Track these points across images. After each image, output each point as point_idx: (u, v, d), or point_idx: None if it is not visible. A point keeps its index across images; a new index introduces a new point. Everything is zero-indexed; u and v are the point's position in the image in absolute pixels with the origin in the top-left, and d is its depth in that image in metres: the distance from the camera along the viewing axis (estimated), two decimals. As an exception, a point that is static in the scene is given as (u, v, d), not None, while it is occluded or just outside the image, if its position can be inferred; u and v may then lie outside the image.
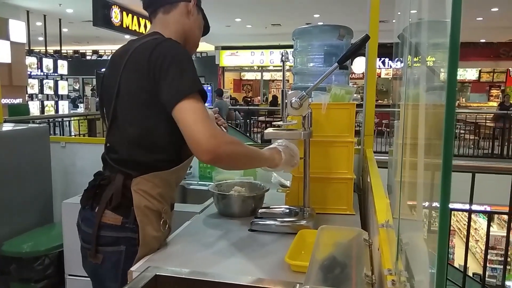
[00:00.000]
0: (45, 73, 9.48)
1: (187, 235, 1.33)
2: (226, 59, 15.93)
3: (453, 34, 0.36)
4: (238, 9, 9.99)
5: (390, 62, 14.11)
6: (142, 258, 1.14)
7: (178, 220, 1.50)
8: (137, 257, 1.15)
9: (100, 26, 7.82)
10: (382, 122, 9.86)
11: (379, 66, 13.95)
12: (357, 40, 1.31)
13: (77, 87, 18.07)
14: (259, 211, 1.46)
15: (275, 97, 14.45)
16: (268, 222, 1.37)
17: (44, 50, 10.56)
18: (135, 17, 9.46)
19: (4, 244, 2.15)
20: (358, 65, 11.82)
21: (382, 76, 14.66)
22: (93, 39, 13.75)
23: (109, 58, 1.37)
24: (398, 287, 0.60)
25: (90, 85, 16.95)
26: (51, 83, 9.56)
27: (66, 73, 10.16)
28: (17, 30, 7.40)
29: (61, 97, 10.02)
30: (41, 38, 10.49)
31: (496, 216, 7.50)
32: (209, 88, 15.50)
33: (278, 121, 1.37)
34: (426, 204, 0.56)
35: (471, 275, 6.33)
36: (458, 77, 0.38)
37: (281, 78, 1.34)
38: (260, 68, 16.68)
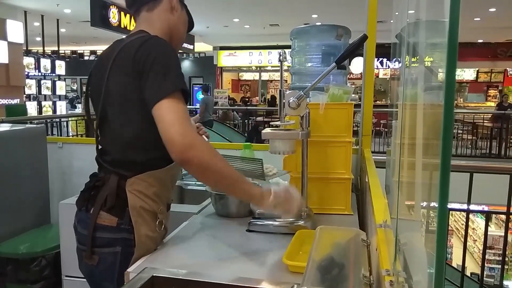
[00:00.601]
0: (43, 74, 9.46)
1: (185, 236, 1.32)
2: (224, 59, 15.93)
3: (451, 33, 0.36)
4: (236, 9, 9.98)
5: (388, 62, 14.13)
6: (139, 259, 1.13)
7: (175, 220, 1.49)
8: (133, 258, 1.14)
9: (98, 26, 7.80)
10: (380, 122, 9.87)
11: (377, 66, 13.98)
12: (355, 40, 1.30)
13: (75, 88, 18.04)
14: (257, 211, 1.45)
15: (273, 97, 14.43)
16: (266, 222, 1.37)
17: (42, 51, 10.53)
18: (133, 17, 9.43)
19: (1, 245, 2.14)
20: (356, 65, 11.84)
21: (380, 76, 14.69)
22: (91, 39, 13.71)
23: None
24: (396, 287, 0.59)
25: (88, 86, 16.88)
26: (48, 83, 9.55)
27: (63, 73, 10.14)
28: (15, 30, 7.38)
29: (59, 98, 10.00)
30: (38, 39, 10.46)
31: (493, 216, 7.51)
32: (207, 88, 15.49)
33: (276, 121, 1.37)
34: (424, 204, 0.55)
35: (469, 275, 6.34)
36: (456, 77, 0.38)
37: (279, 79, 1.33)
38: (258, 69, 16.67)
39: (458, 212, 7.97)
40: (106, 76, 1.16)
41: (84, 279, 1.29)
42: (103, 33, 9.28)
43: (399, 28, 0.87)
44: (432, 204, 0.45)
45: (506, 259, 6.89)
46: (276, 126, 1.37)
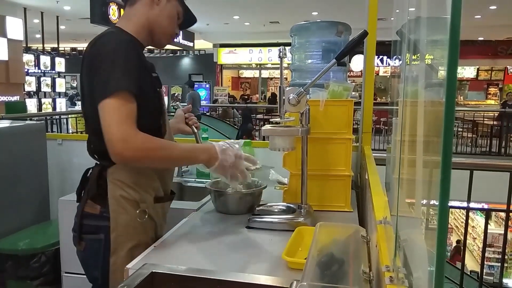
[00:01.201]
0: (43, 71, 9.44)
1: (184, 233, 1.32)
2: (224, 57, 15.90)
3: (453, 29, 0.35)
4: (236, 6, 9.97)
5: (388, 60, 14.12)
6: (123, 247, 1.19)
7: (175, 217, 1.49)
8: (114, 247, 1.19)
9: (97, 23, 7.77)
10: (380, 120, 9.86)
11: (377, 64, 13.96)
12: (355, 36, 1.30)
13: (74, 85, 18.01)
14: (257, 208, 1.45)
15: (273, 95, 14.42)
16: (265, 219, 1.36)
17: (42, 48, 10.52)
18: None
19: (0, 241, 2.14)
20: (356, 63, 11.82)
21: (380, 74, 14.67)
22: (91, 36, 13.58)
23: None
24: (396, 283, 0.59)
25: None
26: (48, 80, 9.53)
27: (63, 70, 10.12)
28: (14, 27, 7.37)
29: (59, 95, 9.99)
30: (38, 35, 10.45)
31: (493, 213, 7.51)
32: (207, 86, 15.48)
33: (276, 118, 1.36)
34: (425, 201, 0.55)
35: (468, 272, 6.35)
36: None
37: (279, 76, 1.33)
38: (258, 66, 16.65)
39: (457, 210, 7.99)
40: (80, 74, 1.22)
41: (84, 275, 1.31)
42: (103, 30, 9.26)
43: (399, 26, 0.87)
44: (433, 201, 0.44)
45: (506, 257, 6.90)
46: (276, 123, 1.36)
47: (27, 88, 8.84)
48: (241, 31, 13.29)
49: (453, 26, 0.35)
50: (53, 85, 9.63)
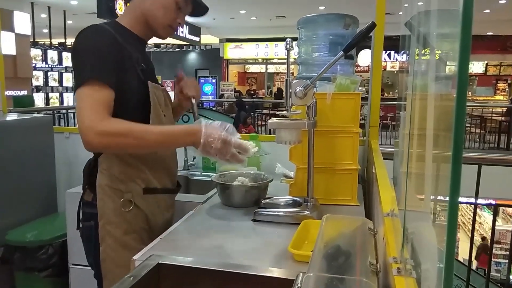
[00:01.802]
0: (50, 65, 9.49)
1: (190, 225, 1.32)
2: (231, 51, 15.88)
3: (465, 20, 0.34)
4: (242, 1, 9.93)
5: (396, 55, 14.02)
6: (111, 235, 1.22)
7: (181, 210, 1.49)
8: (102, 235, 1.22)
9: (104, 18, 7.78)
10: (387, 115, 9.81)
11: (385, 59, 13.87)
12: (363, 28, 1.28)
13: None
14: (263, 201, 1.45)
15: (280, 90, 14.38)
16: (271, 212, 1.36)
17: (49, 42, 10.56)
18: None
19: (8, 233, 2.16)
20: (364, 58, 11.73)
21: (388, 69, 14.57)
22: (98, 31, 13.71)
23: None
24: (403, 275, 0.59)
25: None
26: (55, 75, 9.58)
27: (70, 65, 10.14)
28: (22, 22, 7.40)
29: (66, 89, 10.04)
30: (45, 30, 10.48)
31: (501, 210, 7.46)
32: (213, 81, 15.46)
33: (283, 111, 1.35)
34: (434, 193, 0.54)
35: (475, 269, 6.32)
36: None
37: (286, 71, 1.32)
38: (264, 61, 16.60)
39: (465, 207, 7.94)
40: None
41: (90, 268, 1.34)
42: (110, 24, 9.26)
43: (408, 19, 0.85)
44: (442, 194, 0.44)
45: (513, 253, 6.83)
46: (283, 116, 1.36)
47: (34, 83, 8.90)
48: (247, 25, 13.24)
49: (465, 18, 0.34)
50: (60, 80, 9.69)
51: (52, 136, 2.50)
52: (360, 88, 1.61)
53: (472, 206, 2.89)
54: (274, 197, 1.49)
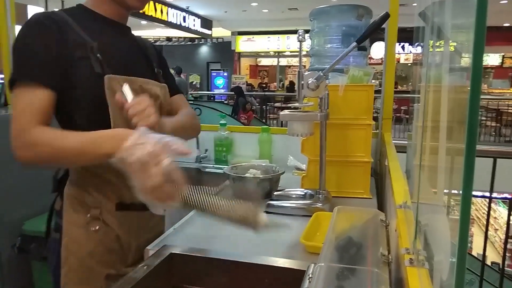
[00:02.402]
0: (64, 59, 9.58)
1: (203, 216, 1.33)
2: (242, 44, 15.84)
3: (480, 9, 0.34)
4: (254, -7, 9.87)
5: (410, 47, 13.82)
6: (75, 255, 1.05)
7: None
8: (65, 254, 1.06)
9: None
10: (401, 108, 9.70)
11: (398, 51, 13.69)
12: (376, 19, 1.27)
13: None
14: (274, 193, 1.45)
15: (291, 83, 14.32)
16: (283, 204, 1.36)
17: (63, 36, 10.65)
18: (151, 2, 9.44)
19: (25, 223, 2.21)
20: (377, 50, 11.58)
21: (401, 61, 14.39)
22: (111, 25, 13.80)
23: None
24: (416, 265, 0.58)
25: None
26: (69, 68, 9.66)
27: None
28: (36, 15, 7.46)
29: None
30: (59, 24, 10.58)
31: (516, 205, 7.33)
32: (225, 74, 15.47)
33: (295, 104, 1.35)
34: (447, 186, 0.54)
35: (489, 264, 6.25)
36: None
37: (298, 64, 1.31)
38: (276, 54, 16.54)
39: (479, 201, 7.83)
40: None
41: None
42: (122, 18, 9.30)
43: (422, 9, 0.84)
44: (456, 185, 0.43)
45: (528, 249, 6.74)
46: (295, 108, 1.35)
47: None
48: (259, 18, 13.18)
49: (479, 7, 0.34)
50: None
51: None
52: (373, 81, 1.59)
53: (487, 200, 2.85)
54: (286, 189, 1.49)
